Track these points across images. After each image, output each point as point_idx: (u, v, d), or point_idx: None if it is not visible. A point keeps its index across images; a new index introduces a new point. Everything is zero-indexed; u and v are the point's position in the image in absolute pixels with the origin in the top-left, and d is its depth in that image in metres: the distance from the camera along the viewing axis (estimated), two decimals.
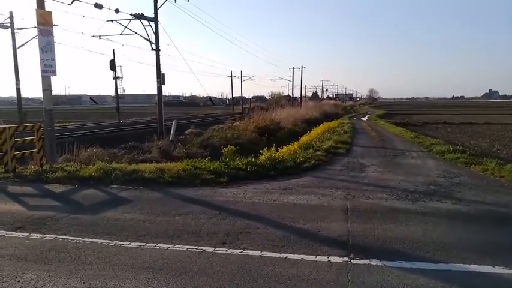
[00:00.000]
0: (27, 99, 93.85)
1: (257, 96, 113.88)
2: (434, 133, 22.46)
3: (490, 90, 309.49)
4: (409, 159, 12.26)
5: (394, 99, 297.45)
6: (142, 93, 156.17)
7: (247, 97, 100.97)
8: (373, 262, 4.29)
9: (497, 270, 4.14)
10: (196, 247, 4.74)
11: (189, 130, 24.03)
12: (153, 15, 21.21)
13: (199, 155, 13.17)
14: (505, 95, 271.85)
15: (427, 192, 7.51)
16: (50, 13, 11.30)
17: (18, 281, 3.86)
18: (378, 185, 8.24)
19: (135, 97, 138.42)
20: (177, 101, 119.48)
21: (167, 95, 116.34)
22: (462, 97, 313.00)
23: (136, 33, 21.56)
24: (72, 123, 36.09)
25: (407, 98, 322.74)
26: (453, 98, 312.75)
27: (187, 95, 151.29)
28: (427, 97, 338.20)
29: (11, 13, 28.11)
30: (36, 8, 11.12)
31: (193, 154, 14.33)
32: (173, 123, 19.58)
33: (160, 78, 21.92)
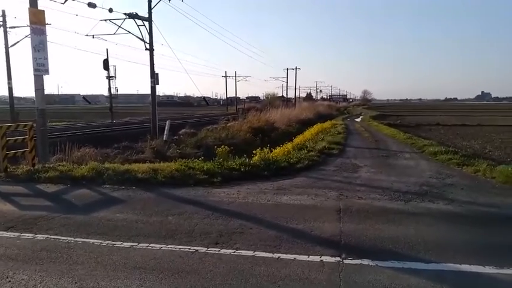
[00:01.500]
0: (20, 98, 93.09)
1: (251, 97, 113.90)
2: (427, 134, 22.57)
3: (482, 92, 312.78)
4: (401, 160, 12.34)
5: (388, 100, 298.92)
6: (136, 93, 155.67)
7: (241, 97, 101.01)
8: (365, 262, 4.31)
9: (488, 270, 4.18)
10: (189, 247, 4.73)
11: (183, 130, 23.96)
12: (147, 15, 21.15)
13: (193, 155, 13.13)
14: (497, 97, 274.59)
15: (420, 193, 7.56)
16: (42, 12, 11.23)
17: (9, 281, 3.83)
18: (371, 185, 8.28)
19: (128, 97, 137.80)
20: (171, 101, 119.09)
21: (161, 95, 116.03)
22: (455, 99, 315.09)
23: (130, 32, 21.49)
24: (64, 123, 35.84)
25: (401, 100, 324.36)
26: (446, 99, 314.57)
27: (181, 95, 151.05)
28: (420, 98, 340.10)
29: (3, 11, 27.93)
30: (29, 6, 11.05)
31: (187, 154, 14.28)
32: (167, 123, 19.52)
33: (154, 78, 21.84)
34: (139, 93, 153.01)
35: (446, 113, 61.71)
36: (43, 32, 11.13)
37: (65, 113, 55.73)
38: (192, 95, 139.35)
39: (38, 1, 11.31)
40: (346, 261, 4.33)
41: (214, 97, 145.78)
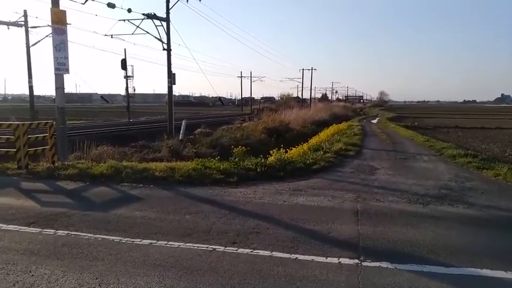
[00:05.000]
0: (39, 96, 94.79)
1: (266, 97, 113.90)
2: (446, 137, 22.23)
3: (502, 94, 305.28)
4: (420, 162, 12.17)
5: (405, 102, 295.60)
6: (152, 92, 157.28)
7: (256, 98, 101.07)
8: (384, 264, 4.27)
9: (510, 275, 4.10)
10: (206, 246, 4.76)
11: (199, 130, 24.12)
12: (165, 15, 21.36)
13: (209, 155, 13.19)
14: None
15: (438, 196, 7.45)
16: (64, 12, 11.43)
17: (32, 275, 3.91)
18: (389, 188, 8.19)
19: (145, 96, 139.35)
20: (187, 101, 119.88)
21: (177, 94, 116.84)
22: (474, 101, 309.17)
23: (148, 33, 21.72)
24: (82, 121, 36.43)
25: (418, 101, 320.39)
26: (465, 102, 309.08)
27: (196, 95, 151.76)
28: (438, 100, 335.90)
29: (25, 11, 28.45)
30: (51, 6, 11.26)
31: (203, 154, 14.36)
32: (183, 122, 19.68)
33: (171, 78, 22.06)
34: (155, 92, 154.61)
35: (464, 115, 60.71)
36: (64, 32, 11.33)
37: (83, 112, 56.70)
38: (207, 95, 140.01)
39: (60, 1, 11.54)
40: (364, 264, 4.30)
41: (229, 97, 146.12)
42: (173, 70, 22.18)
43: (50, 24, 11.44)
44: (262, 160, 10.08)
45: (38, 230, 5.33)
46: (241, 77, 72.91)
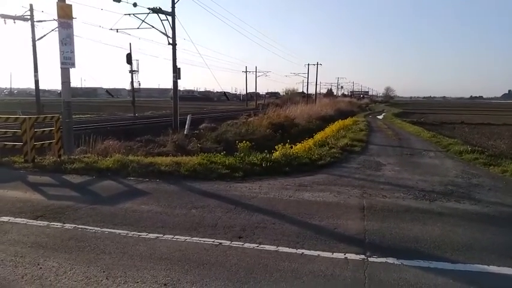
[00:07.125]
0: (44, 90, 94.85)
1: (271, 93, 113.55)
2: (452, 133, 22.12)
3: (509, 90, 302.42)
4: (426, 158, 12.12)
5: (411, 97, 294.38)
6: (157, 87, 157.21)
7: (261, 93, 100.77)
8: (390, 260, 4.26)
9: None
10: (213, 240, 4.78)
11: (204, 125, 24.14)
12: (170, 10, 21.32)
13: (213, 150, 13.19)
14: None
15: (445, 193, 7.42)
16: (70, 6, 11.45)
17: (40, 268, 3.94)
18: (395, 184, 8.16)
19: (149, 91, 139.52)
20: (191, 96, 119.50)
21: (182, 89, 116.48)
22: (481, 97, 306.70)
23: (153, 27, 21.72)
24: (87, 116, 36.54)
25: (424, 97, 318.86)
26: (471, 98, 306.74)
27: (201, 89, 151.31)
28: (444, 96, 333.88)
29: (31, 6, 28.55)
30: (57, 1, 11.27)
31: (208, 149, 14.39)
32: (188, 117, 19.73)
33: (176, 72, 22.06)
34: (160, 87, 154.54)
35: (471, 111, 60.31)
36: (70, 26, 11.35)
37: (88, 106, 56.83)
38: (212, 90, 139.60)
39: None
40: (371, 259, 4.29)
41: (234, 92, 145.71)
42: (178, 65, 22.25)
43: (56, 18, 11.46)
44: (268, 155, 10.06)
45: (46, 223, 5.37)
46: (246, 71, 72.87)
